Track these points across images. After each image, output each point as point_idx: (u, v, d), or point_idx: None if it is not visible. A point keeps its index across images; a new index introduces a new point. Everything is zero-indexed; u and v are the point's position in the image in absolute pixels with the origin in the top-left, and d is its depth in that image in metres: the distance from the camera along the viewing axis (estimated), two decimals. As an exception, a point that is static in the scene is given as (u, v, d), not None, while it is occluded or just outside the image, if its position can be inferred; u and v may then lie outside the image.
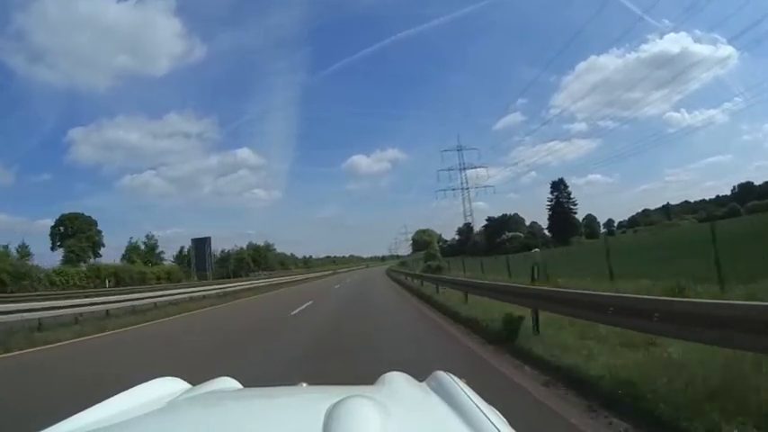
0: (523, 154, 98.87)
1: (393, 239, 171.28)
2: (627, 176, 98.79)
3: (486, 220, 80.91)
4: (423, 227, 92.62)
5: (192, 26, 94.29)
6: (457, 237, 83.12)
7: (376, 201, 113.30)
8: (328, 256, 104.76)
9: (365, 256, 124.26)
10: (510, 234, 73.04)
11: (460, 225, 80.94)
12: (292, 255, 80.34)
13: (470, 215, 71.82)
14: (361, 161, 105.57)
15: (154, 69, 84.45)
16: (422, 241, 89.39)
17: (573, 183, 74.35)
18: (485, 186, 69.08)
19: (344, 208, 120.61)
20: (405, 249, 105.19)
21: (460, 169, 68.29)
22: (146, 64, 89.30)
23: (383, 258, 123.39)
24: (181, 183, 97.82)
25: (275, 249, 69.45)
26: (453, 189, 68.73)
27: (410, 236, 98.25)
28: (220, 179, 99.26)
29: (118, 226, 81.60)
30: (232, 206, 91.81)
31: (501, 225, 77.51)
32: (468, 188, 68.85)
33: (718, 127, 73.62)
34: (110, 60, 79.69)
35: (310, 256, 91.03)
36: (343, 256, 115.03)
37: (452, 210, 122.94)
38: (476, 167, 67.51)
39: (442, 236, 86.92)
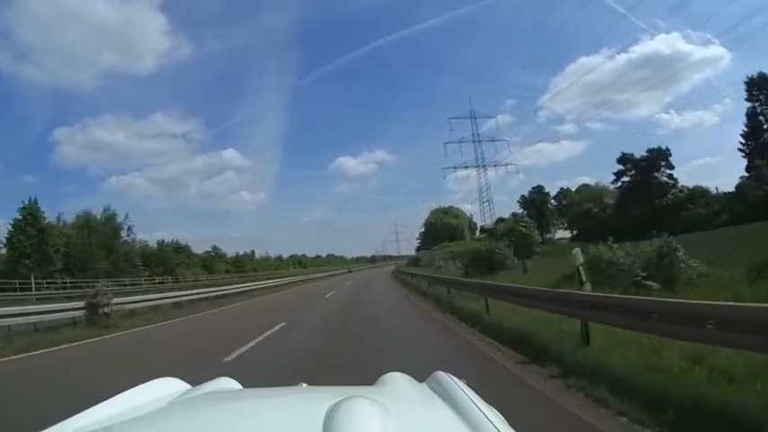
0: (512, 156, 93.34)
1: (380, 241, 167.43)
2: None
3: (620, 160, 44.42)
4: (415, 227, 77.85)
5: (178, 24, 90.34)
6: (521, 210, 50.45)
7: (364, 202, 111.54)
8: (293, 255, 74.42)
9: (350, 256, 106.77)
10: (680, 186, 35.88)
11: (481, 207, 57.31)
12: (214, 249, 49.72)
13: (486, 202, 56.85)
14: (348, 162, 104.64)
15: (139, 68, 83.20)
16: (443, 225, 62.64)
17: (562, 185, 60.35)
18: (505, 165, 54.41)
19: (331, 209, 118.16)
20: (394, 249, 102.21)
21: (474, 141, 53.86)
22: (131, 62, 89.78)
23: (372, 259, 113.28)
24: (166, 184, 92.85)
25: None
26: (466, 167, 55.62)
27: (401, 235, 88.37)
28: (206, 181, 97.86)
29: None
30: (218, 209, 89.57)
31: (652, 168, 40.38)
32: (484, 165, 55.45)
33: (708, 128, 69.29)
34: (94, 58, 79.55)
35: (253, 251, 59.82)
36: (319, 256, 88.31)
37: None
38: (494, 141, 53.81)
39: (473, 218, 66.89)
